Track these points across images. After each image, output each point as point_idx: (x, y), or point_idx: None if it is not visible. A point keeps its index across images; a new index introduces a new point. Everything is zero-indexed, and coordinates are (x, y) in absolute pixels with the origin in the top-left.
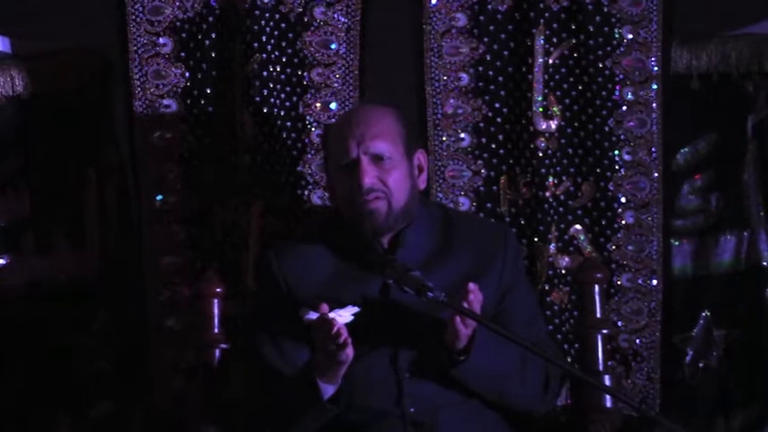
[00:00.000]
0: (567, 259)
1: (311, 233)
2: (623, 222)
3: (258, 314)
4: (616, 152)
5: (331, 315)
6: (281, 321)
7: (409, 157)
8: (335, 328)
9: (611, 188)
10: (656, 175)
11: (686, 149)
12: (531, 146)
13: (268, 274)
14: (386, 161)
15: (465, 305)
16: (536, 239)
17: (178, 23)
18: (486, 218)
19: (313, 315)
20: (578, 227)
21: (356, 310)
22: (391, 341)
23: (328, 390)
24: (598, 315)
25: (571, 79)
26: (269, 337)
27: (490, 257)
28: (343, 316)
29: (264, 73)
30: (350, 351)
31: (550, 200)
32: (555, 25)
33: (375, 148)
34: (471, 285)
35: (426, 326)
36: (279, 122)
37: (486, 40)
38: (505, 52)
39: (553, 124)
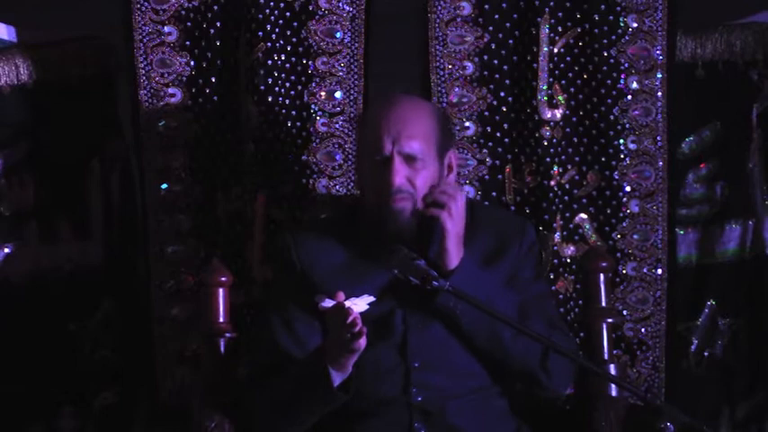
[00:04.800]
0: (572, 248)
1: (330, 221)
2: (628, 211)
3: (273, 297)
4: (621, 141)
5: (347, 304)
6: (296, 305)
7: (440, 157)
8: (351, 317)
9: (616, 177)
10: (660, 163)
11: (691, 138)
12: (536, 135)
13: (285, 258)
14: (417, 161)
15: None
16: (541, 228)
17: (183, 12)
18: (509, 210)
19: (329, 303)
20: (583, 216)
21: (372, 299)
22: (401, 331)
23: (338, 377)
24: (603, 304)
25: (576, 68)
26: (283, 321)
27: (505, 246)
28: (359, 305)
29: (269, 62)
30: (363, 340)
31: (555, 189)
32: (560, 14)
33: (409, 147)
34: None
35: (437, 317)
36: (283, 111)
37: (490, 28)
38: (510, 41)
39: (558, 113)
